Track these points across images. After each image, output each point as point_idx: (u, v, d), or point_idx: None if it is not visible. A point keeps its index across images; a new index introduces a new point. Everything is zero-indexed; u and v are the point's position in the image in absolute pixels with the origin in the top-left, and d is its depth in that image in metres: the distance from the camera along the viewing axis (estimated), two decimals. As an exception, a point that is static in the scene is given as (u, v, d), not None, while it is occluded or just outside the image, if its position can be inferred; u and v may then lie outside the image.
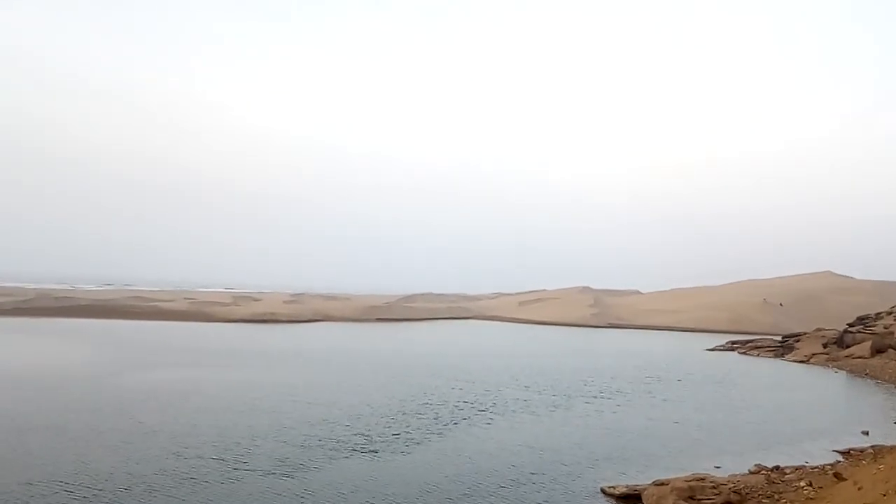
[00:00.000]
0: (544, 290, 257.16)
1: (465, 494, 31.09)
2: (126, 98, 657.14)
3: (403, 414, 49.05)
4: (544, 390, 63.12)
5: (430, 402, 54.66)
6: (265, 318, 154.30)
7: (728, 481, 32.52)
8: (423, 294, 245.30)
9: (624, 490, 32.17)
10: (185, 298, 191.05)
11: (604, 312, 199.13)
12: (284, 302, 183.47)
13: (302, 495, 29.86)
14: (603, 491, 32.50)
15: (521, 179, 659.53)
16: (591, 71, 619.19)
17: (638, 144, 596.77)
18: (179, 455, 35.40)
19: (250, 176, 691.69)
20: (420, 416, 48.63)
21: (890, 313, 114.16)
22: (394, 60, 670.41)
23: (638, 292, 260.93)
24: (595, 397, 60.68)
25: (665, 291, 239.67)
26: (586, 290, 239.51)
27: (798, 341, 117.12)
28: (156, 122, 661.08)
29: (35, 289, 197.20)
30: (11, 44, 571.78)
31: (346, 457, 36.65)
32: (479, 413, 50.82)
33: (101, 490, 29.35)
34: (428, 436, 42.59)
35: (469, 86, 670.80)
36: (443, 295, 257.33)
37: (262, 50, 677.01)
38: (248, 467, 33.66)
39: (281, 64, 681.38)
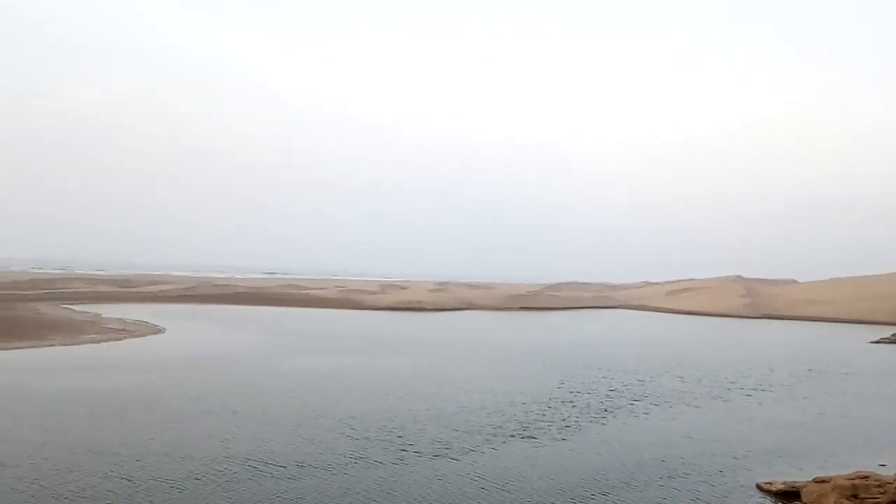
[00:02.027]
0: (693, 280, 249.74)
1: (626, 483, 31.25)
2: (285, 99, 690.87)
3: (556, 401, 49.56)
4: (700, 381, 61.83)
5: (581, 390, 54.85)
6: (411, 305, 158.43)
7: (894, 480, 30.84)
8: (567, 283, 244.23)
9: (781, 486, 31.18)
10: (335, 287, 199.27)
11: (757, 302, 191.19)
12: (430, 290, 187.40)
13: (469, 479, 30.96)
14: (759, 487, 31.68)
15: (664, 160, 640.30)
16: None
17: (787, 119, 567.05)
18: (348, 436, 37.44)
19: (398, 171, 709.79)
20: (572, 404, 48.96)
21: None
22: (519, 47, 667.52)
23: (794, 281, 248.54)
24: (754, 389, 58.88)
25: (823, 280, 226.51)
26: (738, 279, 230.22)
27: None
28: (307, 123, 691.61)
29: (197, 277, 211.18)
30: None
31: (505, 442, 37.57)
32: (634, 402, 50.57)
33: (281, 466, 31.62)
34: (584, 423, 42.87)
35: (610, 67, 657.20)
36: (587, 284, 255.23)
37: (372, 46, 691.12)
38: (413, 449, 35.21)
39: (406, 62, 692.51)
